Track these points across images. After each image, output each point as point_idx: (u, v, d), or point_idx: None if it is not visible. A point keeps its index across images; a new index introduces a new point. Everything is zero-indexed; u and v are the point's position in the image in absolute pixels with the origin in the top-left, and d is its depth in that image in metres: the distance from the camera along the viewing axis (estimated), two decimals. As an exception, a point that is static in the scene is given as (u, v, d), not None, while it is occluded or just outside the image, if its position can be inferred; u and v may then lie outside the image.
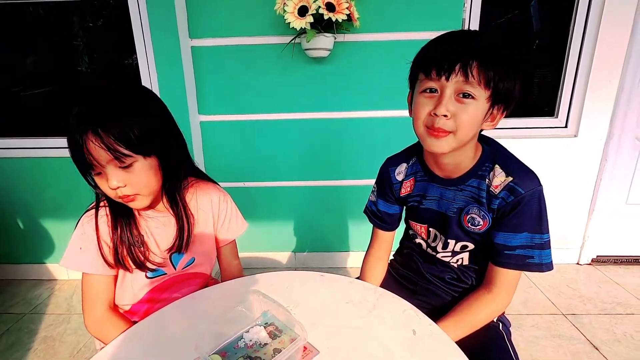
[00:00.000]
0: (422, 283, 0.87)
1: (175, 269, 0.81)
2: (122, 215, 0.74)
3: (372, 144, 1.73)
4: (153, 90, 1.64)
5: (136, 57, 1.66)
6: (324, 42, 1.48)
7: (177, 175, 0.76)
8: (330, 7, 1.39)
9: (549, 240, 0.70)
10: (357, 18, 1.47)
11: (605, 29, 1.60)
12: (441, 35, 0.68)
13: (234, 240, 0.93)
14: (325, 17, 1.39)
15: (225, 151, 1.77)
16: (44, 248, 1.90)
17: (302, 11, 1.40)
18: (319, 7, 1.38)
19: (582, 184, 1.82)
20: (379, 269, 0.92)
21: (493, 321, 0.80)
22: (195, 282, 0.86)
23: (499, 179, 0.70)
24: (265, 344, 0.59)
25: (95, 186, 0.70)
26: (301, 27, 1.41)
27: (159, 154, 0.70)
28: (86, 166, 0.65)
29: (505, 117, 0.70)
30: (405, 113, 1.71)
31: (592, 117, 1.72)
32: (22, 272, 1.93)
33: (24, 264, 1.92)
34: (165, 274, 0.80)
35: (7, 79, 1.83)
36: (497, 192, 0.70)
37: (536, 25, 1.80)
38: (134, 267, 0.75)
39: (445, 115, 0.64)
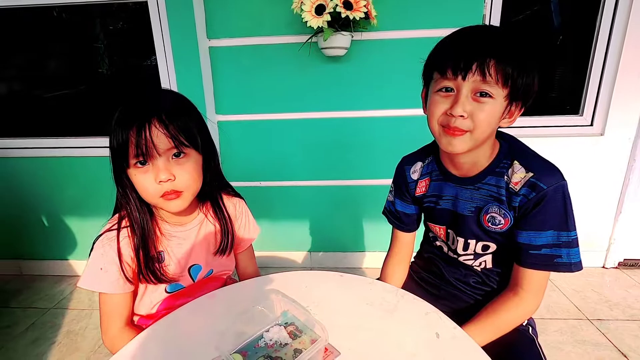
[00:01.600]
0: (446, 287, 0.84)
1: (194, 281, 0.81)
2: (145, 233, 0.72)
3: (389, 144, 1.71)
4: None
5: (155, 59, 1.69)
6: (341, 41, 1.47)
7: (219, 178, 0.80)
8: (348, 5, 1.38)
9: (577, 238, 0.66)
10: (375, 16, 1.45)
11: (635, 23, 1.53)
12: (455, 32, 0.66)
13: (251, 245, 0.93)
14: (343, 15, 1.38)
15: (242, 151, 1.78)
16: (66, 245, 1.95)
17: (319, 10, 1.40)
18: (337, 5, 1.37)
19: (608, 184, 1.75)
20: (400, 272, 0.91)
21: (522, 325, 0.77)
22: (213, 286, 0.86)
23: (519, 175, 0.67)
24: (286, 344, 0.58)
25: (125, 187, 0.69)
26: (318, 26, 1.41)
27: (206, 153, 0.72)
28: (126, 160, 0.64)
29: (523, 113, 0.67)
30: (421, 112, 1.69)
31: (620, 115, 1.65)
32: (46, 268, 1.99)
33: (48, 260, 1.98)
34: (184, 287, 0.80)
35: (31, 80, 1.89)
36: (518, 189, 0.67)
37: (556, 20, 1.74)
38: (155, 281, 0.74)
39: (462, 116, 0.62)
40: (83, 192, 1.84)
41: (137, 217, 0.71)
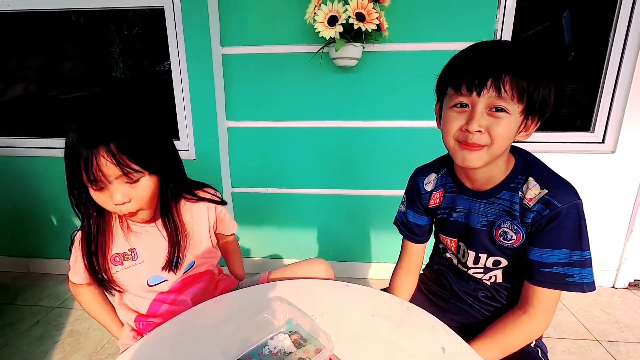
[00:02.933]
0: (454, 301, 0.83)
1: (175, 274, 0.82)
2: (95, 239, 0.75)
3: (398, 154, 1.71)
4: (177, 97, 1.71)
5: (168, 64, 1.72)
6: (352, 52, 1.49)
7: (175, 192, 0.78)
8: (360, 17, 1.40)
9: (590, 258, 0.65)
10: (387, 28, 1.47)
11: (648, 42, 1.52)
12: (469, 47, 0.66)
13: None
14: (355, 27, 1.40)
15: (251, 157, 1.80)
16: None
17: (332, 21, 1.42)
18: (349, 17, 1.39)
19: (619, 202, 1.72)
20: (409, 284, 0.90)
21: (530, 346, 0.75)
22: (203, 279, 0.88)
23: (533, 191, 0.66)
24: (290, 353, 0.58)
25: (80, 204, 0.72)
26: (330, 37, 1.43)
27: (161, 170, 0.72)
28: (81, 182, 0.65)
29: (538, 128, 0.67)
30: (432, 124, 1.69)
31: (632, 133, 1.63)
32: (53, 267, 2.00)
33: (55, 258, 2.00)
34: (166, 280, 0.81)
35: (47, 82, 1.94)
36: (531, 205, 0.66)
37: (568, 37, 1.74)
38: (104, 287, 0.79)
39: (479, 131, 0.62)
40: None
41: (94, 226, 0.74)
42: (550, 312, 0.70)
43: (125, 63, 1.98)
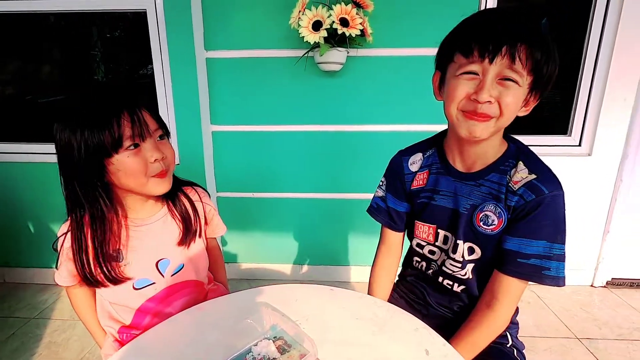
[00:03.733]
0: (433, 310, 0.83)
1: (163, 275, 0.79)
2: (101, 230, 0.71)
3: (383, 158, 1.71)
4: (160, 101, 1.70)
5: (150, 68, 1.70)
6: (337, 56, 1.50)
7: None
8: (344, 22, 1.41)
9: (565, 252, 0.65)
10: (370, 33, 1.48)
11: (621, 49, 1.59)
12: (480, 12, 0.64)
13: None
14: (339, 32, 1.41)
15: (236, 161, 1.78)
16: (51, 252, 1.90)
17: (317, 26, 1.43)
18: (333, 22, 1.40)
19: (596, 203, 1.78)
20: (391, 273, 0.89)
21: (506, 346, 0.76)
22: (191, 291, 0.85)
23: (521, 174, 0.65)
24: (274, 359, 0.58)
25: (91, 185, 0.68)
26: (315, 41, 1.43)
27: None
28: (124, 140, 0.65)
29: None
30: (416, 127, 1.72)
31: (607, 136, 1.69)
32: (30, 276, 1.94)
33: (32, 267, 1.93)
34: (154, 282, 0.79)
35: (25, 86, 1.89)
36: (516, 188, 0.65)
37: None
38: (108, 281, 0.73)
39: (488, 102, 0.60)
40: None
41: (102, 213, 0.70)
42: (514, 304, 0.70)
43: (107, 66, 1.94)
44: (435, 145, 0.79)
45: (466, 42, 0.60)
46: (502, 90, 0.60)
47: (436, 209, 0.75)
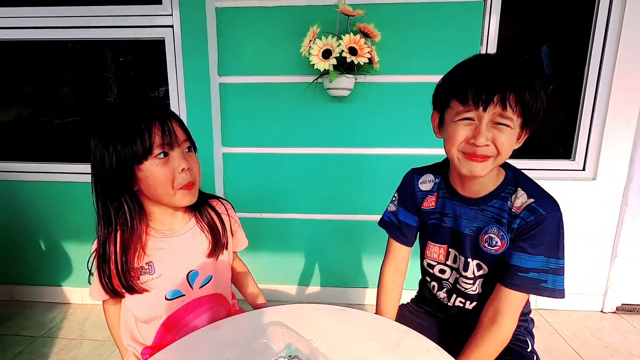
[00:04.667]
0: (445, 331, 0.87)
1: (192, 287, 0.81)
2: (130, 243, 0.74)
3: (390, 180, 1.74)
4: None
5: (163, 90, 1.77)
6: (345, 83, 1.56)
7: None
8: (353, 51, 1.48)
9: (564, 267, 0.70)
10: (378, 61, 1.55)
11: (621, 72, 1.63)
12: (472, 59, 0.70)
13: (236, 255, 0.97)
14: (348, 60, 1.48)
15: (246, 182, 1.82)
16: (60, 271, 1.93)
17: (326, 54, 1.50)
18: (342, 51, 1.47)
19: (603, 228, 1.79)
20: (398, 283, 0.91)
21: (527, 350, 0.79)
22: (217, 304, 0.87)
23: (521, 200, 0.72)
24: (290, 377, 0.59)
25: (121, 197, 0.71)
26: (324, 69, 1.50)
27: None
28: (154, 148, 0.68)
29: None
30: (422, 151, 1.76)
31: (611, 160, 1.72)
32: (38, 294, 1.95)
33: (40, 285, 1.94)
34: (184, 294, 0.80)
35: (41, 107, 1.96)
36: (519, 212, 0.71)
37: (547, 69, 1.85)
38: (128, 291, 0.75)
39: (486, 145, 0.66)
40: (82, 217, 1.84)
41: (131, 223, 0.73)
42: (516, 316, 0.73)
43: (123, 90, 2.02)
44: (441, 173, 0.85)
45: (461, 91, 0.67)
46: (497, 133, 0.66)
47: (446, 231, 0.82)
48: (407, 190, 0.88)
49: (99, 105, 1.96)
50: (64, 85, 1.97)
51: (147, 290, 0.77)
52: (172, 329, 0.81)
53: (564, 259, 0.70)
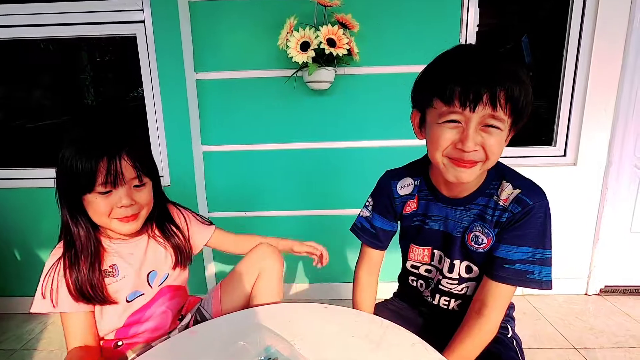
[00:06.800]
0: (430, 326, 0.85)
1: (151, 287, 0.83)
2: (92, 255, 0.75)
3: (372, 173, 1.72)
4: (150, 123, 1.70)
5: (141, 90, 1.71)
6: (325, 75, 1.53)
7: (163, 199, 0.86)
8: (331, 43, 1.45)
9: (551, 257, 0.68)
10: (357, 52, 1.52)
11: (598, 60, 1.65)
12: (453, 52, 0.64)
13: (216, 233, 0.97)
14: (327, 52, 1.44)
15: (227, 181, 1.78)
16: (37, 280, 1.85)
17: (304, 46, 1.46)
18: (321, 42, 1.44)
19: (585, 212, 1.81)
20: (374, 283, 0.90)
21: (507, 336, 0.79)
22: (175, 295, 0.88)
23: (507, 192, 0.70)
24: (269, 381, 0.56)
25: (75, 210, 0.72)
26: (303, 61, 1.47)
27: (155, 178, 0.80)
28: (92, 186, 0.68)
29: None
30: (403, 143, 1.74)
31: (590, 146, 1.74)
32: (15, 306, 1.87)
33: (17, 296, 1.87)
34: (143, 294, 0.82)
35: (13, 111, 1.87)
36: (507, 205, 0.69)
37: (528, 59, 1.86)
38: (98, 301, 0.75)
39: (474, 150, 0.61)
40: (58, 224, 1.77)
41: (86, 240, 0.74)
42: (503, 309, 0.71)
43: (97, 90, 1.95)
44: (420, 174, 0.81)
45: (445, 89, 0.59)
46: (486, 136, 0.61)
47: (430, 232, 0.79)
48: (384, 196, 0.83)
49: (70, 117, 1.89)
50: (37, 88, 1.89)
51: (116, 303, 0.77)
52: (133, 325, 0.82)
53: (550, 249, 0.68)
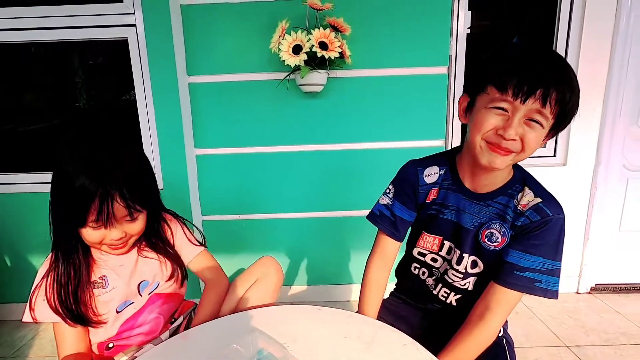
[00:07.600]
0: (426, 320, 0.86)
1: (141, 295, 0.82)
2: (75, 270, 0.75)
3: (364, 175, 1.75)
4: (143, 127, 1.69)
5: (133, 93, 1.70)
6: (317, 78, 1.54)
7: (157, 220, 0.85)
8: (323, 46, 1.46)
9: (560, 269, 0.70)
10: (349, 55, 1.53)
11: (585, 60, 1.68)
12: (516, 47, 0.66)
13: (199, 255, 0.91)
14: (319, 55, 1.45)
15: (221, 184, 1.78)
16: (28, 286, 1.82)
17: (297, 49, 1.47)
18: (313, 45, 1.45)
19: (574, 211, 1.84)
20: (384, 278, 0.86)
21: (498, 336, 0.79)
22: (168, 300, 0.87)
23: (527, 198, 0.72)
24: (261, 384, 0.57)
25: (66, 233, 0.72)
26: (295, 64, 1.47)
27: (152, 205, 0.79)
28: (84, 221, 0.67)
29: None
30: (397, 144, 1.75)
31: (579, 146, 1.77)
32: (6, 312, 1.84)
33: (8, 303, 1.84)
34: (133, 302, 0.82)
35: (5, 115, 1.85)
36: (525, 210, 0.71)
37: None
38: (82, 324, 0.75)
39: (513, 139, 0.63)
40: (48, 230, 1.75)
41: (75, 257, 0.75)
42: (506, 316, 0.73)
43: (89, 94, 1.94)
44: (447, 164, 0.81)
45: (502, 78, 0.62)
46: (527, 130, 0.64)
47: (444, 222, 0.79)
48: (408, 184, 0.81)
49: (61, 120, 1.87)
50: (29, 92, 1.87)
51: (104, 323, 0.77)
52: (126, 331, 0.82)
53: (560, 262, 0.70)
